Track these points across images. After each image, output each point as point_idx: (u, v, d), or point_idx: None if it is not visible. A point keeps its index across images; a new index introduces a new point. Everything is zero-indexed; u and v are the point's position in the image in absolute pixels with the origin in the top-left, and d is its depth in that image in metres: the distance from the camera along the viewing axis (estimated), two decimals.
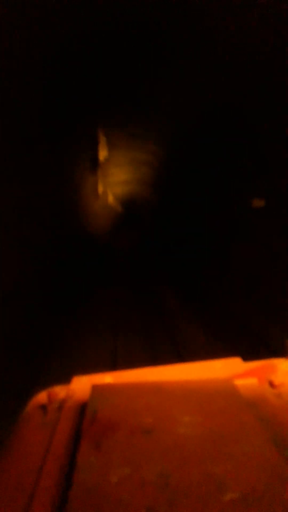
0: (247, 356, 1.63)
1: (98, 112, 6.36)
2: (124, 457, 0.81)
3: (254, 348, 4.88)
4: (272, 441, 0.86)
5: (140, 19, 3.90)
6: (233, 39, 3.88)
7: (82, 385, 1.32)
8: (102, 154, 7.96)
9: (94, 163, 8.05)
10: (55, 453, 0.94)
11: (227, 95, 4.80)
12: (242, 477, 0.73)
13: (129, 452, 0.82)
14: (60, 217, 7.17)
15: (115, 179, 12.14)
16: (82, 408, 1.14)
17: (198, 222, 8.64)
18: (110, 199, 13.53)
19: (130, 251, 19.76)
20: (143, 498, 0.69)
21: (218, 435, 0.87)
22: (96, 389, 1.13)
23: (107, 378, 1.39)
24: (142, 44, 4.40)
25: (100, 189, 11.22)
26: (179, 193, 10.02)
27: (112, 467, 0.78)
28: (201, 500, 0.67)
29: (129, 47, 4.42)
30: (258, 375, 1.30)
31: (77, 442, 0.95)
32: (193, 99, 5.56)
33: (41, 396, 1.32)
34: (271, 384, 1.22)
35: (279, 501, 0.66)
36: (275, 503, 0.66)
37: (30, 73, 3.87)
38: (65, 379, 1.45)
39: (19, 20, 3.19)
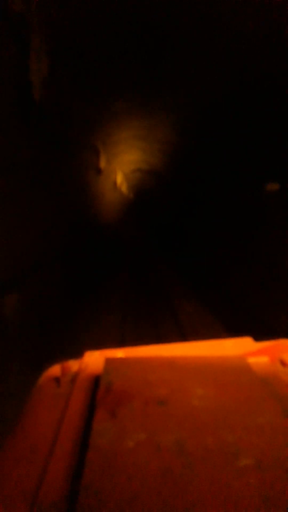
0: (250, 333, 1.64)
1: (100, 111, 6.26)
2: (139, 424, 0.83)
3: (261, 333, 4.90)
4: (284, 414, 0.86)
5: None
6: (247, 19, 3.71)
7: (94, 359, 1.34)
8: (103, 164, 8.61)
9: (97, 171, 8.67)
10: (69, 421, 0.96)
11: (242, 77, 4.64)
12: (256, 445, 0.74)
13: (145, 420, 0.84)
14: (77, 209, 7.33)
15: (127, 166, 12.03)
16: (96, 381, 1.16)
17: (209, 207, 8.54)
18: (124, 187, 13.50)
19: (140, 239, 19.72)
20: (160, 462, 0.71)
21: (231, 407, 0.88)
22: (110, 362, 1.15)
23: (119, 353, 1.41)
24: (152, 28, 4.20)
25: (119, 180, 11.32)
26: (190, 177, 9.87)
27: (128, 433, 0.80)
28: (217, 465, 0.69)
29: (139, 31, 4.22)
30: (269, 354, 1.31)
31: (92, 411, 0.97)
32: (206, 81, 5.38)
33: (54, 369, 1.35)
34: (282, 363, 1.23)
35: None
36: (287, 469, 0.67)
37: None
38: (77, 353, 1.48)
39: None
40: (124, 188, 13.55)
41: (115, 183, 11.55)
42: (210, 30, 4.32)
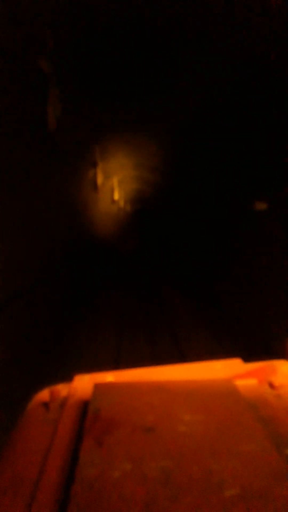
0: (246, 355, 1.65)
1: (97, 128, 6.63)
2: (126, 453, 0.82)
3: (253, 348, 4.91)
4: (272, 440, 0.87)
5: (136, 19, 3.94)
6: (235, 36, 3.89)
7: (83, 383, 1.34)
8: (100, 179, 8.99)
9: (95, 186, 9.13)
10: (57, 449, 0.96)
11: (230, 96, 4.82)
12: (242, 474, 0.74)
13: (131, 448, 0.84)
14: (76, 224, 7.49)
15: (121, 179, 12.32)
16: (84, 406, 1.15)
17: (200, 224, 8.67)
18: (121, 202, 13.79)
19: (136, 252, 19.78)
20: (145, 493, 0.71)
21: (219, 434, 0.89)
22: (98, 388, 1.15)
23: (109, 377, 1.40)
24: (142, 45, 4.45)
25: (116, 196, 11.66)
26: (181, 194, 10.04)
27: (114, 463, 0.79)
28: (202, 496, 0.69)
29: (128, 48, 4.48)
30: (258, 376, 1.32)
31: (79, 439, 0.96)
32: (195, 100, 5.59)
33: (43, 394, 1.34)
34: (271, 385, 1.24)
35: (279, 498, 0.68)
36: (274, 500, 0.67)
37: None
38: (68, 376, 1.47)
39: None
40: (122, 202, 13.77)
41: (112, 198, 11.78)
42: (197, 62, 4.57)
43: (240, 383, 1.23)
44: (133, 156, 9.78)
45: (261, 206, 4.14)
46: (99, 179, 9.06)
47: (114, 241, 14.16)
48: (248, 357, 1.56)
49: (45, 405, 1.24)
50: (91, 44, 4.20)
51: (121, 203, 14.13)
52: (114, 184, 11.46)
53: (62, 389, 1.32)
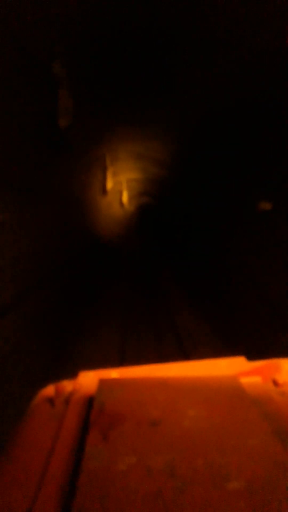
0: (246, 351, 1.65)
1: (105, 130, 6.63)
2: (131, 447, 0.83)
3: (254, 347, 4.91)
4: (276, 435, 0.87)
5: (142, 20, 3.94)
6: (244, 33, 3.88)
7: (88, 379, 1.35)
8: (110, 183, 8.81)
9: (104, 190, 8.97)
10: (63, 443, 0.97)
11: (236, 94, 4.81)
12: (246, 467, 0.75)
13: (136, 442, 0.85)
14: (81, 225, 7.60)
15: (125, 178, 12.34)
16: (89, 402, 1.16)
17: (204, 224, 8.66)
18: (124, 199, 13.72)
19: (142, 252, 19.73)
20: (151, 485, 0.71)
21: (223, 429, 0.89)
22: (103, 383, 1.16)
23: (113, 373, 1.41)
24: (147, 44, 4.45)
25: (124, 198, 11.62)
26: (184, 194, 10.04)
27: (119, 456, 0.80)
28: (206, 488, 0.70)
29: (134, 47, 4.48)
30: (262, 374, 1.32)
31: (85, 433, 0.97)
32: (201, 99, 5.58)
33: (48, 390, 1.35)
34: (275, 383, 1.24)
35: (282, 490, 0.68)
36: (278, 492, 0.68)
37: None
38: (72, 373, 1.48)
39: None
40: (125, 201, 13.71)
41: (120, 199, 11.72)
42: (201, 66, 4.58)
43: (245, 380, 1.24)
44: (139, 160, 9.82)
45: (265, 206, 4.13)
46: (109, 184, 9.02)
47: (118, 241, 14.16)
48: (252, 356, 1.57)
49: (50, 400, 1.25)
50: (103, 48, 4.20)
51: (126, 203, 14.07)
52: (123, 185, 11.35)
53: (67, 385, 1.33)
